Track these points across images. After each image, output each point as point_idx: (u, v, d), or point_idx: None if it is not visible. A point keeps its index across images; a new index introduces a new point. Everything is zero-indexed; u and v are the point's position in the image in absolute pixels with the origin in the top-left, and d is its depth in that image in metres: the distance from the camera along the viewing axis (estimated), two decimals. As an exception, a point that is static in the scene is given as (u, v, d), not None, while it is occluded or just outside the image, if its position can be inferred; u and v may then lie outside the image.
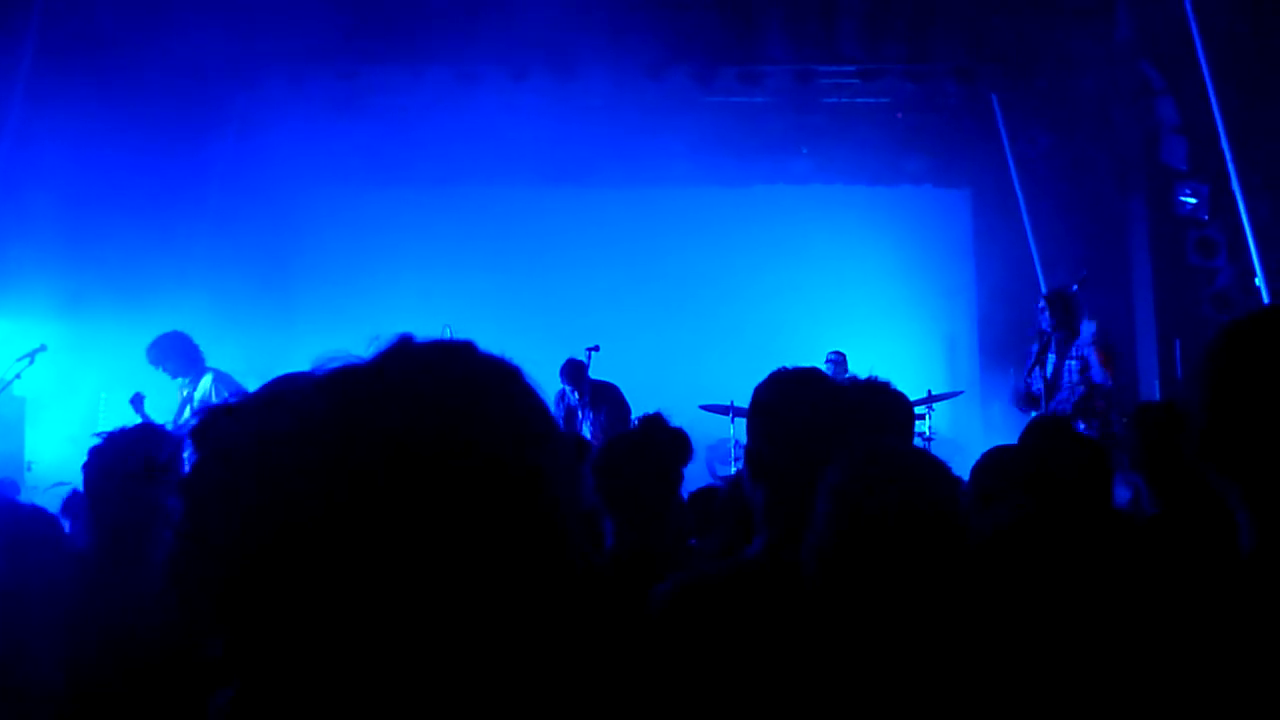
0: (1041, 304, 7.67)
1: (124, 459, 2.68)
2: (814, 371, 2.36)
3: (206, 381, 7.31)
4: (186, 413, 7.31)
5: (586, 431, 8.70)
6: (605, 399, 8.78)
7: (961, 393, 9.54)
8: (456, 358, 0.94)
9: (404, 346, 0.94)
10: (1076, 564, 1.79)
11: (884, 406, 2.77)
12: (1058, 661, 1.69)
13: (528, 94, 10.70)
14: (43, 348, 7.93)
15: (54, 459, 8.57)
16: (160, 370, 7.31)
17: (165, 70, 9.71)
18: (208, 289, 9.87)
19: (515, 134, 10.64)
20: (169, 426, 7.09)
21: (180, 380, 7.35)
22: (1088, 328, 7.31)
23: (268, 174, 10.96)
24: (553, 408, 7.74)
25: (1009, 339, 10.53)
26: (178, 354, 7.26)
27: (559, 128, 10.56)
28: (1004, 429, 10.21)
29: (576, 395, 8.80)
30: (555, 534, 0.92)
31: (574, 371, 8.77)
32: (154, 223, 9.76)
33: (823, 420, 2.19)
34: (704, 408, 9.04)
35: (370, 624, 0.85)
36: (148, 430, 3.03)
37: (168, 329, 8.23)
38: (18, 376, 7.84)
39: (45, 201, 9.30)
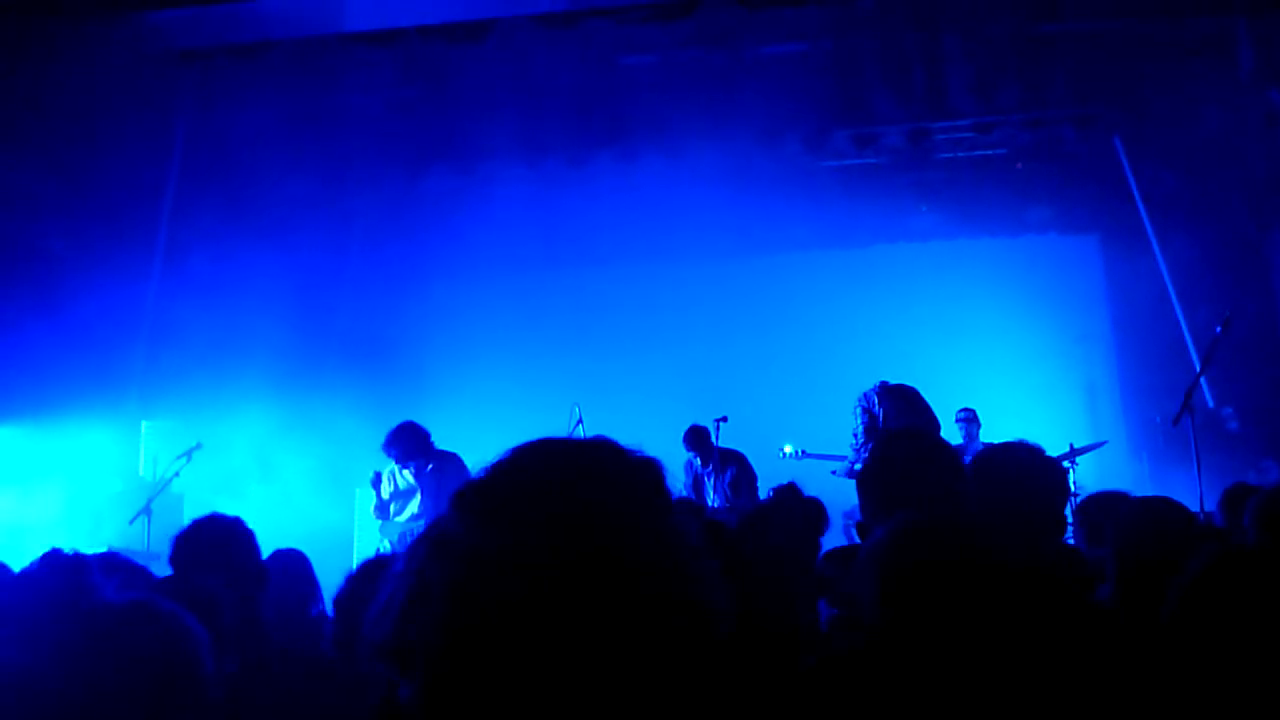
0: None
1: None
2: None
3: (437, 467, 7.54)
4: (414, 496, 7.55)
5: (712, 498, 8.68)
6: (732, 466, 8.76)
7: (1105, 443, 9.18)
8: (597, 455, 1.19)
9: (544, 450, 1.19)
10: None
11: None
12: None
13: (640, 173, 10.91)
14: (199, 446, 8.35)
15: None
16: (389, 457, 7.52)
17: (295, 180, 10.28)
18: (347, 381, 10.26)
19: (629, 213, 10.83)
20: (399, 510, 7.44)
21: (405, 466, 7.54)
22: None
23: (392, 269, 11.43)
24: (681, 476, 7.62)
25: (1153, 381, 10.15)
26: (408, 442, 7.47)
27: (673, 202, 10.73)
28: (1155, 476, 9.82)
29: (700, 462, 8.81)
30: (685, 605, 1.12)
31: (698, 439, 8.79)
32: (295, 323, 10.25)
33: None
34: (836, 473, 8.91)
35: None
36: None
37: (317, 425, 8.57)
38: (177, 475, 8.26)
39: (196, 310, 9.86)
